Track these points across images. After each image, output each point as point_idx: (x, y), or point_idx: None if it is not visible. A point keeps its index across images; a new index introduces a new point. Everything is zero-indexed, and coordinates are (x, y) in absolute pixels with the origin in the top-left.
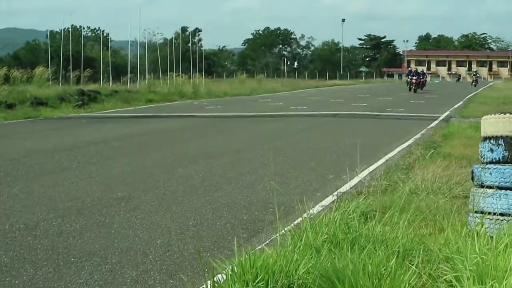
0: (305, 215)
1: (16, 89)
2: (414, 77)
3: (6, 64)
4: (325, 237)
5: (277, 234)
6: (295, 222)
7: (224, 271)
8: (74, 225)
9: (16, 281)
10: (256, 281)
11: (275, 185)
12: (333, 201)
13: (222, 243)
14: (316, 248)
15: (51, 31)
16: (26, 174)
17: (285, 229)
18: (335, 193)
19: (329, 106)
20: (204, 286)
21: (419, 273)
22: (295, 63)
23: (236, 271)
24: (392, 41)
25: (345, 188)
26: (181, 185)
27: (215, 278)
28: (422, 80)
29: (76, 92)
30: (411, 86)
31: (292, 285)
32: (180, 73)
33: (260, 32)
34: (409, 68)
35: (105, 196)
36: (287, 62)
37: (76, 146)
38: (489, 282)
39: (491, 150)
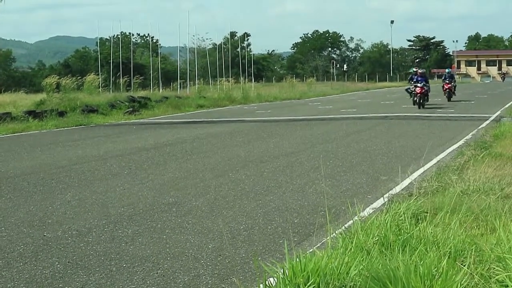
0: (356, 217)
1: (67, 97)
2: (418, 84)
3: (57, 72)
4: (376, 239)
5: (328, 237)
6: (346, 225)
7: (275, 275)
8: (126, 230)
9: (69, 287)
10: (308, 284)
11: (326, 188)
12: (384, 203)
13: (274, 247)
14: (367, 250)
15: (101, 39)
16: (78, 181)
17: (336, 232)
18: (386, 195)
19: (379, 108)
20: None
21: (471, 273)
22: (345, 66)
23: (287, 274)
24: (442, 41)
25: (396, 190)
26: (232, 190)
27: (267, 282)
28: (448, 87)
29: (127, 99)
30: (415, 98)
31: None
32: (230, 78)
33: (309, 35)
34: (414, 69)
35: (156, 201)
36: (336, 65)
37: (127, 153)
38: None
39: None
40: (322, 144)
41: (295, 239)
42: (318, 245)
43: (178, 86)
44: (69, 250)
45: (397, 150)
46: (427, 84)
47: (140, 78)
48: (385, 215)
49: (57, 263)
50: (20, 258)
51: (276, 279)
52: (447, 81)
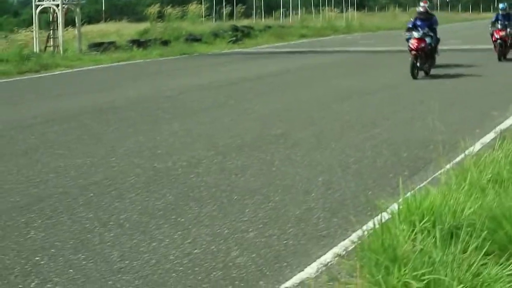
0: (467, 153)
1: (171, 26)
2: (415, 33)
3: (160, 1)
4: (490, 176)
5: (440, 172)
6: (455, 160)
7: (388, 211)
8: (235, 162)
9: (182, 219)
10: (423, 222)
11: (435, 121)
12: (493, 138)
13: (384, 181)
14: (481, 188)
15: None
16: (183, 111)
17: (447, 167)
18: (496, 130)
19: (485, 40)
20: (370, 224)
21: None
22: None
23: (401, 211)
24: None
25: (505, 125)
26: (337, 122)
27: (379, 217)
28: (501, 35)
29: (230, 28)
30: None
31: (459, 226)
32: (333, 7)
33: None
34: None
35: (263, 133)
36: None
37: (231, 83)
38: None
39: None
40: (426, 77)
41: (406, 174)
42: (429, 180)
43: (281, 15)
44: (179, 181)
45: (507, 84)
46: (431, 34)
47: (243, 7)
48: (497, 151)
49: (168, 194)
50: (132, 189)
51: (389, 215)
52: (499, 26)
